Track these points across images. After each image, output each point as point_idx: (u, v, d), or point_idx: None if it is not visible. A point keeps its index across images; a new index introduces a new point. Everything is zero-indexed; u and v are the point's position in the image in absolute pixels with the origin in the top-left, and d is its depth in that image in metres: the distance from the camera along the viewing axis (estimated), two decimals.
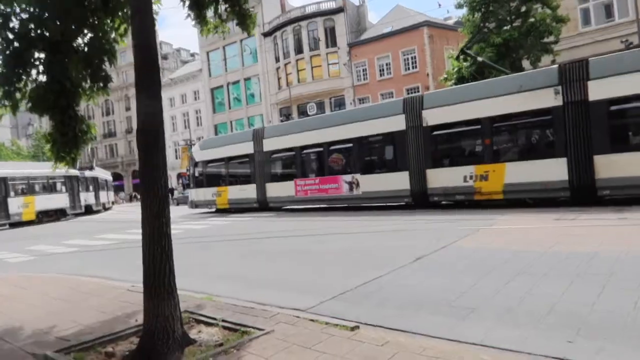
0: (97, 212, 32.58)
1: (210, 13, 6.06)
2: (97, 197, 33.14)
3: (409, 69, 35.76)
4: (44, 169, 26.50)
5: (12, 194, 23.93)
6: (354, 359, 3.14)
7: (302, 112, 38.90)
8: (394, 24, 36.85)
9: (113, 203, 41.66)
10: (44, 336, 4.35)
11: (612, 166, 10.56)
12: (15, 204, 23.78)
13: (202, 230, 14.12)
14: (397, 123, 14.28)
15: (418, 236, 9.05)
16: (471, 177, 12.73)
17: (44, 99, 5.03)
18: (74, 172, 26.64)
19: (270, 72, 42.73)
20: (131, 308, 4.96)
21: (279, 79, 42.04)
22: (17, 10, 4.75)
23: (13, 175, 24.44)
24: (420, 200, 13.97)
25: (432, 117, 13.54)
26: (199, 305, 4.86)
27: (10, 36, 4.75)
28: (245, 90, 45.98)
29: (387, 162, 15.38)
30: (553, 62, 19.17)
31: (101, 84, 5.50)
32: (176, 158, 51.00)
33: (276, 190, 18.23)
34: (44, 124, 61.36)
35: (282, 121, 37.01)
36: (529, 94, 11.64)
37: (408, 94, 33.40)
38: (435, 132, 13.58)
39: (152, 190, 3.68)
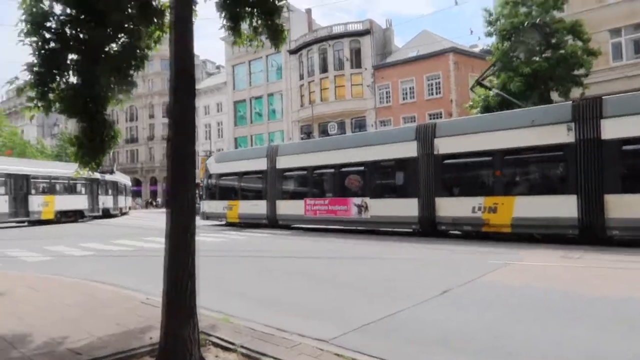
0: (114, 216, 32.79)
1: (245, 26, 6.03)
2: (115, 201, 33.43)
3: (432, 94, 35.60)
4: (66, 169, 26.90)
5: (33, 191, 24.22)
6: None
7: (323, 131, 38.94)
8: (420, 49, 36.89)
9: (130, 208, 41.98)
10: (55, 346, 4.17)
11: (623, 206, 10.35)
12: (35, 202, 24.04)
13: (218, 243, 13.96)
14: (409, 149, 14.26)
15: (440, 267, 8.75)
16: (480, 209, 12.57)
17: (74, 102, 4.97)
18: (95, 174, 26.95)
19: (293, 89, 43.05)
20: (146, 322, 4.77)
21: (302, 96, 42.28)
22: (57, 10, 4.73)
23: (36, 173, 24.79)
24: (428, 228, 13.82)
25: (444, 145, 13.50)
26: (214, 325, 4.65)
27: (48, 36, 4.72)
28: (267, 106, 46.36)
29: (397, 188, 15.33)
30: (582, 95, 18.82)
31: (125, 88, 5.44)
32: (195, 168, 51.36)
33: (286, 208, 18.26)
34: (69, 125, 62.83)
35: (302, 139, 37.10)
36: (542, 129, 11.56)
37: (430, 119, 33.19)
38: (446, 161, 13.52)
39: (179, 202, 3.51)
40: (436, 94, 35.36)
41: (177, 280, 3.43)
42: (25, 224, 24.30)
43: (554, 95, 19.22)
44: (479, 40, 48.68)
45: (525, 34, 17.65)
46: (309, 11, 46.45)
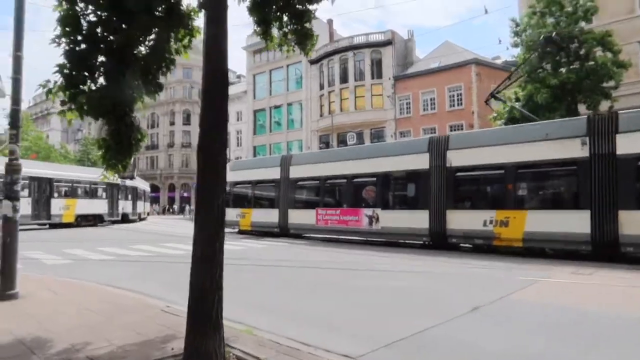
0: (133, 221, 33.06)
1: (275, 31, 5.94)
2: (134, 206, 33.74)
3: (454, 105, 35.19)
4: (88, 173, 27.25)
5: (55, 195, 24.56)
6: None
7: (342, 141, 38.79)
8: (441, 60, 36.59)
9: (148, 214, 42.35)
10: (74, 353, 4.04)
11: (638, 223, 10.13)
12: (57, 205, 24.35)
13: (238, 251, 13.84)
14: (421, 161, 14.22)
15: (464, 282, 8.45)
16: (491, 222, 12.45)
17: (103, 104, 4.91)
18: (115, 179, 27.23)
19: (313, 99, 43.08)
20: (167, 332, 4.62)
21: (321, 106, 42.27)
22: (89, 11, 4.69)
23: (58, 177, 25.16)
24: (439, 241, 13.69)
25: (456, 158, 13.43)
26: (238, 337, 4.46)
27: (79, 38, 4.68)
28: (287, 115, 46.47)
29: (408, 200, 15.30)
30: (611, 108, 18.32)
31: (152, 90, 5.38)
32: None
33: (298, 217, 18.32)
34: (92, 130, 64.07)
35: (320, 148, 36.98)
36: (556, 143, 11.45)
37: (451, 130, 32.82)
38: (458, 174, 13.46)
39: (208, 209, 3.37)
40: (457, 105, 34.94)
41: (203, 292, 3.28)
42: (46, 226, 24.61)
43: (582, 108, 18.73)
44: (507, 50, 48.00)
45: (551, 45, 17.32)
46: (330, 22, 46.64)
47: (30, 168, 23.72)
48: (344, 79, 40.13)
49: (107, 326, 4.95)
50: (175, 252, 13.16)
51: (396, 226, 14.82)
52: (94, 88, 4.78)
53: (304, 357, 3.94)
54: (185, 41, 5.81)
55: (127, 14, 4.78)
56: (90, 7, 4.85)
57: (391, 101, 38.05)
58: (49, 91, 4.78)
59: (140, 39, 5.16)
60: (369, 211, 15.66)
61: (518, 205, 12.25)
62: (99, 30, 4.94)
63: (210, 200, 3.36)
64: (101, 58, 5.03)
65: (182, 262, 10.90)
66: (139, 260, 11.49)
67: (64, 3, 4.76)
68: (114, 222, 29.65)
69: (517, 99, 19.25)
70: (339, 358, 3.97)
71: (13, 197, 6.14)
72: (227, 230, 21.34)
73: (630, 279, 8.48)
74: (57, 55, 4.75)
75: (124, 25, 4.83)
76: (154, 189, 58.75)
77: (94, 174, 27.53)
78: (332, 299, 6.94)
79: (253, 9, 5.55)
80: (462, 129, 32.74)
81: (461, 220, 13.20)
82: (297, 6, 5.01)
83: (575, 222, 10.95)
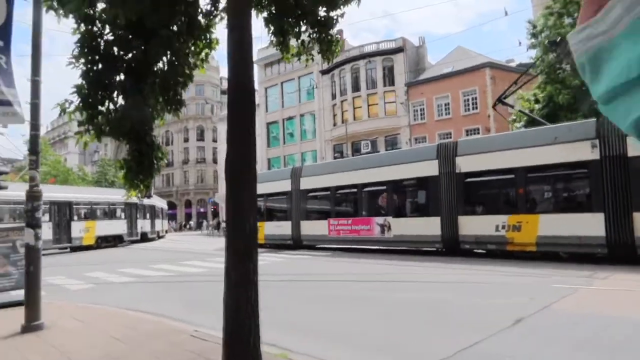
0: (152, 239, 33.10)
1: (293, 41, 5.76)
2: (152, 224, 33.79)
3: (469, 109, 34.72)
4: (106, 194, 27.39)
5: (75, 218, 24.71)
6: None
7: (356, 150, 38.54)
8: (455, 64, 36.25)
9: (166, 231, 42.48)
10: None
11: None
12: (77, 228, 24.47)
13: (261, 266, 13.58)
14: (431, 168, 14.18)
15: (497, 291, 8.05)
16: (503, 227, 12.35)
17: (122, 124, 4.77)
18: (133, 199, 27.31)
19: (326, 109, 43.01)
20: (197, 359, 4.39)
21: (334, 115, 42.16)
22: (106, 30, 4.57)
23: (78, 199, 25.31)
24: (451, 247, 13.57)
25: (465, 163, 13.36)
26: None
27: (96, 57, 4.55)
28: (300, 126, 46.45)
29: (419, 207, 15.24)
30: None
31: (174, 107, 5.24)
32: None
33: (310, 228, 18.33)
34: (108, 151, 64.96)
35: (335, 158, 36.76)
36: (566, 146, 11.32)
37: (467, 135, 32.35)
38: (468, 179, 13.35)
39: (239, 229, 3.16)
40: (473, 109, 34.47)
41: (238, 316, 3.05)
42: (67, 250, 24.72)
43: None
44: (526, 52, 47.36)
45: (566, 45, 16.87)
46: (340, 32, 46.73)
47: (50, 192, 23.96)
48: (356, 87, 40.02)
49: (133, 355, 4.74)
50: (195, 270, 13.00)
51: (408, 234, 14.76)
52: (112, 108, 4.63)
53: None
54: (203, 55, 5.68)
55: (146, 31, 4.65)
56: (107, 26, 4.75)
57: (404, 108, 37.75)
58: (64, 110, 4.64)
59: (159, 54, 5.05)
60: (380, 220, 15.63)
61: (530, 209, 12.15)
62: (115, 48, 4.83)
63: (241, 220, 3.15)
64: (119, 77, 4.92)
65: (203, 281, 10.73)
66: (160, 281, 11.33)
67: (82, 25, 4.66)
68: (133, 242, 29.68)
69: (537, 101, 18.83)
70: None
71: (35, 224, 5.99)
72: None
73: None
74: (74, 78, 4.61)
75: (141, 44, 4.70)
76: (171, 206, 59.07)
77: (112, 194, 27.71)
78: (366, 315, 6.64)
79: (270, 20, 5.39)
80: (478, 133, 32.24)
81: (473, 225, 13.11)
82: (320, 14, 4.81)
83: (590, 225, 10.81)
